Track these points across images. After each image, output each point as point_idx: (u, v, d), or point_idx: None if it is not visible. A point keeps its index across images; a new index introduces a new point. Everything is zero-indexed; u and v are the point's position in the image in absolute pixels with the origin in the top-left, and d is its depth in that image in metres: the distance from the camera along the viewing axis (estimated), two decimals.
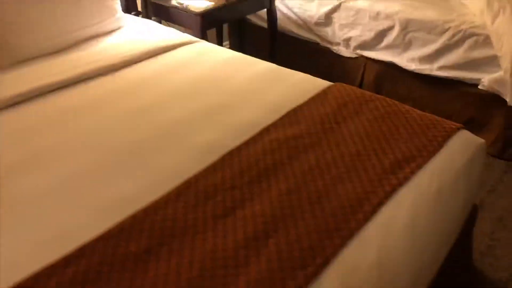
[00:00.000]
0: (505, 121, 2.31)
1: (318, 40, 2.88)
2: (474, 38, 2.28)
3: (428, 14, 2.42)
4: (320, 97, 1.60)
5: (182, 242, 1.03)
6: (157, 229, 1.06)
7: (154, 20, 2.55)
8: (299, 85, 1.71)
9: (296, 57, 3.03)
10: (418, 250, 1.12)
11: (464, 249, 1.67)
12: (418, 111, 1.54)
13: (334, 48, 2.83)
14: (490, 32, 2.21)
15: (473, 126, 2.45)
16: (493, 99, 2.29)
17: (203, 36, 2.35)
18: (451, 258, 1.50)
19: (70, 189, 1.20)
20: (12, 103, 1.56)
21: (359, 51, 2.73)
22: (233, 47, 3.32)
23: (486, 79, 2.27)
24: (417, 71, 2.51)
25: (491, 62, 2.24)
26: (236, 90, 1.67)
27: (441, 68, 2.42)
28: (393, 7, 2.51)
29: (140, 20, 2.35)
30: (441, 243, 1.26)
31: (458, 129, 1.46)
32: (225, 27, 3.27)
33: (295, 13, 2.88)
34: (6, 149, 1.35)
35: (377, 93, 2.70)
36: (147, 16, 2.58)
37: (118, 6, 2.18)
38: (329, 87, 1.67)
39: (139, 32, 2.14)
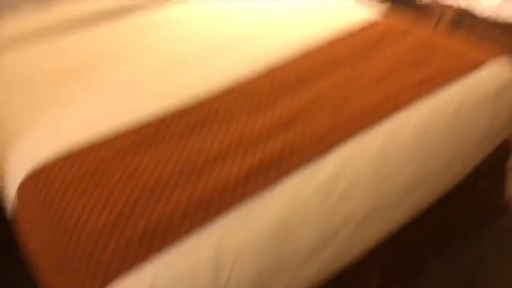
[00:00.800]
0: None
1: None
2: None
3: None
4: (368, 27, 1.73)
5: (221, 123, 1.28)
6: (204, 113, 1.32)
7: None
8: (356, 16, 1.82)
9: None
10: (422, 156, 1.26)
11: (498, 183, 1.74)
12: (460, 39, 1.61)
13: None
14: None
15: None
16: None
17: None
18: (483, 187, 1.60)
19: (139, 82, 1.50)
20: (97, 18, 1.89)
21: None
22: None
23: None
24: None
25: None
26: (296, 18, 1.85)
27: None
28: None
29: None
30: (453, 160, 1.36)
31: (496, 56, 1.50)
32: None
33: None
34: (95, 49, 1.71)
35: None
36: None
37: None
38: (377, 21, 1.77)
39: None
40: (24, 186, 1.17)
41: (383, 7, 2.03)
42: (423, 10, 2.82)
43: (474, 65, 1.45)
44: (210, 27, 1.82)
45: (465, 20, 2.63)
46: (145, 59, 1.63)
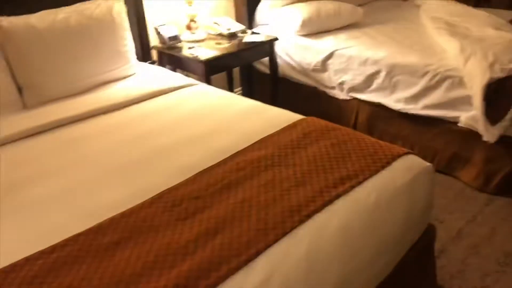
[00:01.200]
0: (485, 156, 2.46)
1: (316, 84, 3.15)
2: (451, 80, 2.48)
3: (411, 59, 2.65)
4: (290, 128, 1.84)
5: (146, 237, 1.27)
6: (128, 227, 1.31)
7: (168, 68, 2.92)
8: (275, 118, 1.96)
9: (297, 100, 3.30)
10: (349, 251, 1.31)
11: (427, 267, 1.81)
12: (373, 139, 1.75)
13: (330, 92, 3.08)
14: (463, 74, 2.41)
15: (457, 161, 2.61)
16: (472, 135, 2.45)
17: (207, 81, 2.67)
18: (414, 273, 1.66)
19: (66, 197, 1.48)
20: (33, 133, 1.90)
21: (352, 94, 2.97)
22: (244, 93, 3.64)
23: (463, 117, 2.45)
24: (403, 111, 2.71)
25: (467, 101, 2.43)
26: (219, 122, 1.95)
27: (424, 107, 2.62)
28: (379, 54, 2.76)
29: (153, 67, 2.70)
30: (379, 252, 1.42)
31: (406, 153, 1.65)
32: (238, 75, 3.60)
33: (295, 61, 3.18)
34: (25, 167, 1.67)
35: (370, 132, 2.93)
36: (161, 64, 2.94)
37: (131, 55, 2.53)
38: (300, 120, 1.91)
39: (149, 78, 2.48)
40: None
41: None
42: (342, 106, 3.05)
43: (388, 161, 1.57)
44: (140, 136, 1.86)
45: (380, 114, 2.86)
46: (75, 171, 1.63)
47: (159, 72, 2.59)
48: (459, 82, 2.45)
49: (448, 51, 2.61)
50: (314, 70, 3.10)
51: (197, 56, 2.72)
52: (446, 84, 2.51)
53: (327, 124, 1.85)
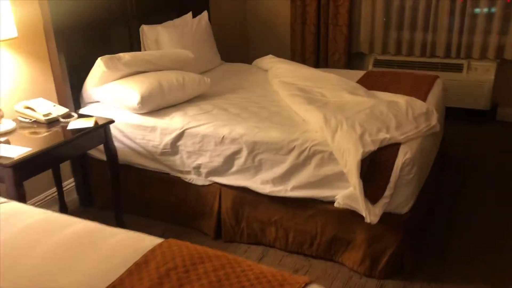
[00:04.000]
0: (368, 236, 2.20)
1: (167, 170, 2.64)
2: (320, 155, 2.20)
3: (273, 134, 2.32)
4: (140, 267, 1.29)
5: None
6: None
7: None
8: (118, 251, 1.38)
9: (147, 190, 2.74)
10: None
11: None
12: (263, 267, 1.29)
13: (186, 177, 2.59)
14: (332, 148, 2.14)
15: (338, 244, 2.31)
16: (353, 215, 2.17)
17: (18, 191, 1.97)
18: None
19: None
20: None
21: (211, 178, 2.52)
22: (77, 185, 2.95)
23: (339, 196, 2.16)
24: (271, 194, 2.35)
25: (341, 177, 2.16)
26: (41, 263, 1.30)
27: (294, 188, 2.29)
28: (237, 130, 2.38)
29: None
30: None
31: (305, 284, 1.22)
32: (67, 165, 2.91)
33: (138, 144, 2.64)
34: None
35: (237, 220, 2.50)
36: None
37: None
38: (153, 250, 1.37)
39: None
40: None
41: None
42: (202, 193, 2.58)
43: None
44: None
45: (246, 199, 2.46)
46: None
47: None
48: (329, 157, 2.18)
49: (311, 122, 2.35)
50: (162, 153, 2.58)
51: None
52: (315, 160, 2.22)
53: (192, 254, 1.34)
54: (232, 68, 3.63)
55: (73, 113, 2.52)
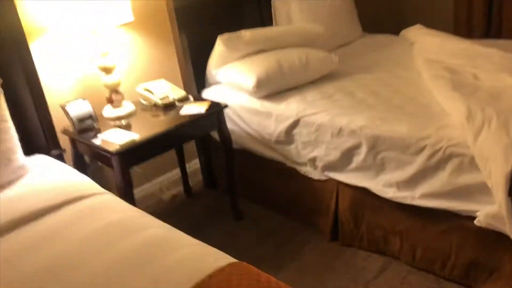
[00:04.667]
0: None
1: (282, 159, 2.41)
2: (458, 159, 1.72)
3: (399, 128, 1.90)
4: None
5: None
6: None
7: (87, 159, 2.26)
8: (176, 271, 1.22)
9: (262, 179, 2.57)
10: None
11: None
12: None
13: (301, 169, 2.33)
14: (474, 153, 1.65)
15: (478, 270, 1.83)
16: (498, 237, 1.68)
17: (124, 178, 1.97)
18: None
19: None
20: None
21: (328, 173, 2.22)
22: (202, 166, 2.92)
23: (481, 214, 1.67)
24: (396, 200, 1.95)
25: (486, 189, 1.66)
26: (96, 272, 1.23)
27: (424, 196, 1.85)
28: (357, 121, 2.02)
29: (53, 164, 2.00)
30: None
31: None
32: (193, 144, 2.89)
33: (254, 130, 2.46)
34: None
35: (356, 224, 2.17)
36: (76, 154, 2.25)
37: (17, 155, 1.85)
38: (211, 276, 1.17)
39: (33, 186, 1.78)
40: None
41: None
42: (318, 188, 2.30)
43: None
44: None
45: (367, 201, 2.10)
46: None
47: (55, 173, 1.89)
48: (471, 163, 1.69)
49: (452, 114, 1.86)
50: (277, 141, 2.36)
51: (106, 141, 2.02)
52: (451, 165, 1.75)
53: (259, 282, 1.10)
54: (374, 41, 3.18)
55: (189, 97, 2.44)
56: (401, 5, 4.15)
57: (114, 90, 2.30)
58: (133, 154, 2.02)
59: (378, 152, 1.96)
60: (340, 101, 2.23)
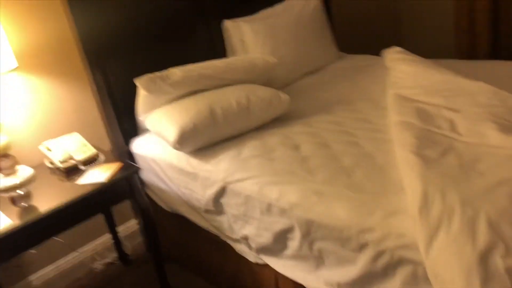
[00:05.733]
0: None
1: (216, 231, 1.91)
2: (410, 267, 1.19)
3: (336, 212, 1.37)
4: None
5: None
6: None
7: None
8: None
9: (200, 249, 2.09)
10: None
11: None
12: None
13: (236, 247, 1.83)
14: (426, 265, 1.11)
15: None
16: None
17: None
18: None
19: None
20: None
21: (263, 257, 1.71)
22: (141, 226, 2.44)
23: None
24: None
25: None
26: None
27: None
28: (288, 195, 1.51)
29: None
30: None
31: None
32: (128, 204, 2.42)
33: (182, 193, 1.98)
34: None
35: None
36: None
37: None
38: None
39: None
40: None
41: None
42: (256, 272, 1.80)
43: None
44: None
45: None
46: None
47: None
48: (426, 273, 1.16)
49: (407, 191, 1.32)
50: (207, 211, 1.87)
51: None
52: (402, 273, 1.22)
53: None
54: (351, 64, 2.65)
55: (99, 155, 1.98)
56: (398, 15, 3.57)
57: (2, 154, 1.86)
58: (11, 243, 1.58)
59: (313, 240, 1.44)
60: (278, 160, 1.71)
